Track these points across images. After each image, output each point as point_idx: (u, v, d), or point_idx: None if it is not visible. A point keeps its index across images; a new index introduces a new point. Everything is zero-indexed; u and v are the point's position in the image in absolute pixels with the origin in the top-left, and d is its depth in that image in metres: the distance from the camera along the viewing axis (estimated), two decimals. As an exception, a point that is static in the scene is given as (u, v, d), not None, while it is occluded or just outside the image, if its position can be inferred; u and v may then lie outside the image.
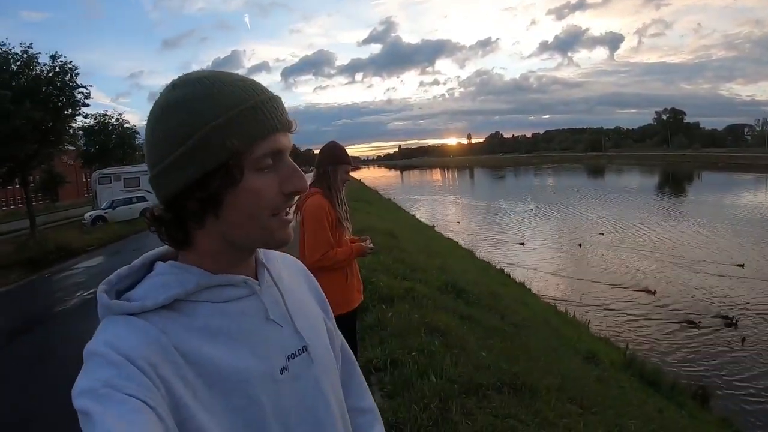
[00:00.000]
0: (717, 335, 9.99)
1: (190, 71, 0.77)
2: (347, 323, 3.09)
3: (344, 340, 1.04)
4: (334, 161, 3.22)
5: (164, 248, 0.82)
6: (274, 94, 0.76)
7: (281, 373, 0.77)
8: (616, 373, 6.26)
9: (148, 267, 0.79)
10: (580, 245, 19.12)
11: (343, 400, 0.91)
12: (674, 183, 49.04)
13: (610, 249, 18.30)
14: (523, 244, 20.06)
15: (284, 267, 0.93)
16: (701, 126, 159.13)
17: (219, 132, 0.69)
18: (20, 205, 43.95)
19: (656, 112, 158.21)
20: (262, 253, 0.86)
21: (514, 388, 3.83)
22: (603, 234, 21.21)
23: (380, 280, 6.93)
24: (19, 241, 18.65)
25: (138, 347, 0.66)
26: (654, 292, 12.69)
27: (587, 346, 7.09)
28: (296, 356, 0.81)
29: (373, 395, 3.73)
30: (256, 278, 0.83)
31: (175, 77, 0.76)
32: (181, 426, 0.65)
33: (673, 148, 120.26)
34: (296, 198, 0.78)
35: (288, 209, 0.77)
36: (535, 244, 20.03)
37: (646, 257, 16.79)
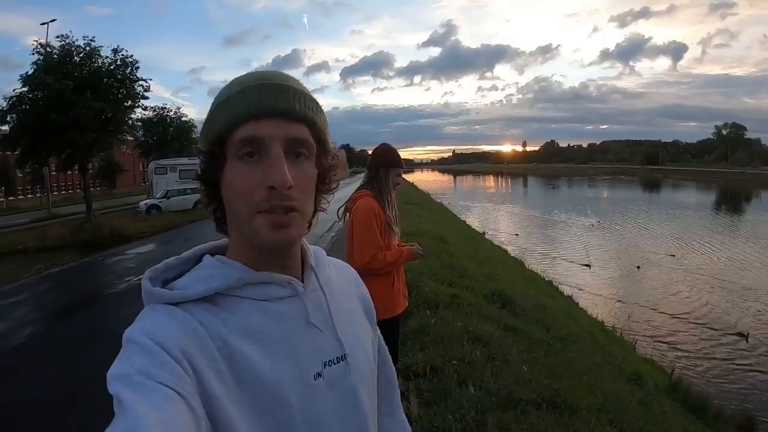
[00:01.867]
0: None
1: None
2: (391, 328, 3.07)
3: (387, 353, 1.01)
4: (386, 164, 3.20)
5: (216, 242, 0.83)
6: (284, 83, 0.73)
7: (315, 379, 0.76)
8: (659, 396, 6.05)
9: (198, 259, 0.80)
10: (638, 267, 17.95)
11: (377, 415, 0.90)
12: (732, 201, 47.03)
13: (672, 272, 17.24)
14: (588, 266, 18.27)
15: (336, 273, 0.91)
16: (762, 143, 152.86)
17: (212, 118, 0.74)
18: (78, 191, 45.61)
19: (716, 126, 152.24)
20: (311, 256, 0.85)
21: (553, 405, 3.73)
22: (674, 256, 19.76)
23: (426, 285, 6.90)
24: (75, 224, 19.36)
25: (174, 337, 0.66)
26: (746, 336, 11.07)
27: (633, 366, 6.88)
28: (333, 364, 0.79)
29: (410, 401, 3.71)
30: (303, 281, 0.81)
31: (235, 74, 0.80)
32: (211, 417, 0.65)
33: (732, 164, 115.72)
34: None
35: (288, 207, 0.71)
36: (597, 266, 18.49)
37: (707, 283, 15.72)
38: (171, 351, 0.64)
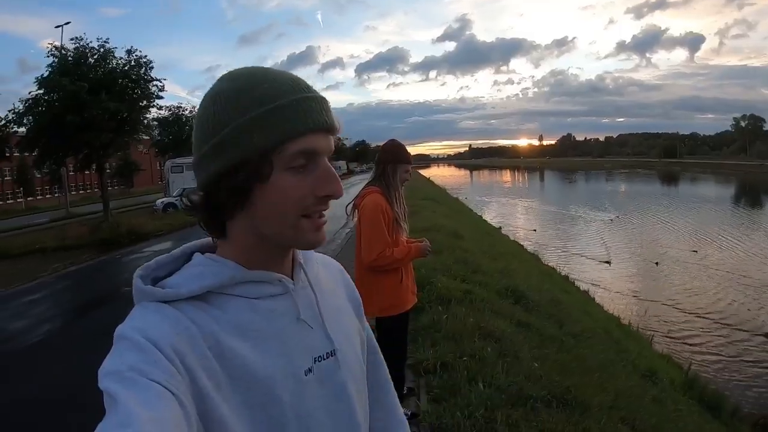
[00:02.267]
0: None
1: (246, 66, 0.78)
2: (399, 325, 3.08)
3: (379, 352, 1.02)
4: (394, 160, 3.21)
5: (205, 240, 0.83)
6: (320, 94, 0.75)
7: (306, 375, 0.76)
8: (674, 393, 5.96)
9: (188, 257, 0.80)
10: (656, 263, 17.54)
11: (368, 410, 0.90)
12: (752, 194, 46.26)
13: (694, 268, 16.76)
14: (608, 262, 17.89)
15: (323, 270, 0.92)
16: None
17: (248, 127, 0.70)
18: (96, 190, 46.20)
19: (734, 118, 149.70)
20: (300, 253, 0.85)
21: (564, 402, 3.70)
22: (696, 252, 19.27)
23: (439, 280, 6.86)
24: (93, 223, 19.65)
25: (166, 335, 0.66)
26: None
27: (647, 362, 6.79)
28: (323, 359, 0.80)
29: (419, 398, 3.71)
30: (292, 278, 0.82)
31: None
32: (202, 416, 0.65)
33: (751, 156, 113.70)
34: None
35: (323, 212, 0.76)
36: (615, 261, 18.06)
37: (731, 280, 15.24)
38: (163, 349, 0.64)
